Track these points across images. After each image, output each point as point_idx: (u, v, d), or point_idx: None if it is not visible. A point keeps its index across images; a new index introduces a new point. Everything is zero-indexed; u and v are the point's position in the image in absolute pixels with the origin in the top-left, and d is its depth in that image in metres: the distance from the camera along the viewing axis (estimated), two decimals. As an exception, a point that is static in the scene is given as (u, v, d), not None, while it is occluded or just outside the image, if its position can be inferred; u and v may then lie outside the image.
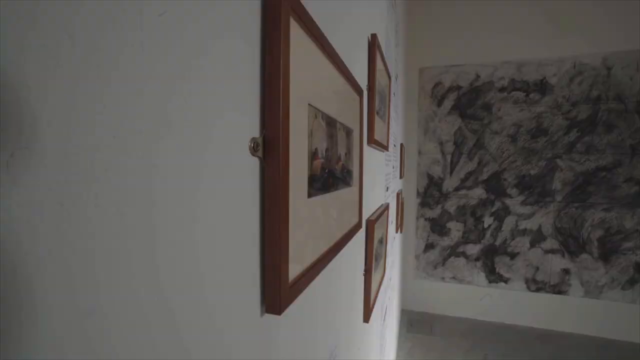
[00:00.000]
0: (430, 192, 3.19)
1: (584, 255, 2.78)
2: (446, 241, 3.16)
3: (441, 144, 3.13)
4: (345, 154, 0.44)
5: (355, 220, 0.54)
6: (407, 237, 3.27)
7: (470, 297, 3.10)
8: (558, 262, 2.84)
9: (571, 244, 2.81)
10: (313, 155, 0.31)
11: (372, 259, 0.72)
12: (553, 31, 2.74)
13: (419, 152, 3.20)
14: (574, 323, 2.82)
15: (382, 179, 1.06)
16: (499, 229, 2.99)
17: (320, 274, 0.38)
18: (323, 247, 0.36)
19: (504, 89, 2.90)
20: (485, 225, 3.03)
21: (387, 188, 1.21)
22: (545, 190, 2.84)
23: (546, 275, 2.88)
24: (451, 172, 3.11)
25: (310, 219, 0.31)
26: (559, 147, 2.79)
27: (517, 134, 2.89)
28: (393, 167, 1.57)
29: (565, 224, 2.81)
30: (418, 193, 3.23)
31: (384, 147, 0.91)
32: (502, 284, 3.00)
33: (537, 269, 2.90)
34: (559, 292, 2.86)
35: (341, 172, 0.41)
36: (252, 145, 0.24)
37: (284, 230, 0.25)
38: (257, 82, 0.27)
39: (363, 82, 0.67)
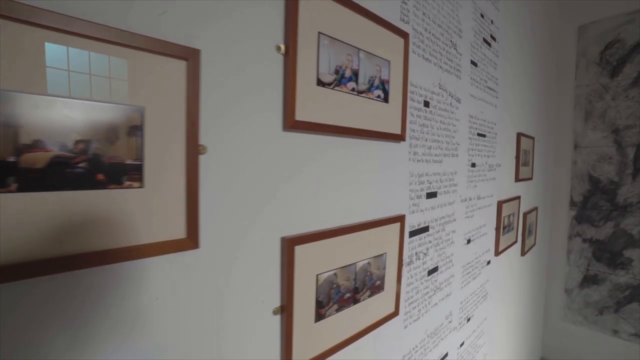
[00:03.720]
0: (594, 202, 2.21)
1: None
2: (623, 277, 2.11)
3: (615, 131, 2.11)
4: (84, 142, 0.29)
5: (158, 233, 0.36)
6: (551, 261, 2.39)
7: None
8: None
9: None
10: None
11: (292, 292, 0.48)
12: None
13: (576, 146, 2.27)
14: None
15: (402, 179, 0.76)
16: None
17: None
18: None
19: None
20: None
21: (428, 194, 0.85)
22: None
23: None
24: (634, 175, 2.05)
25: None
26: None
27: None
28: (473, 165, 1.13)
29: None
30: (572, 202, 2.30)
31: (371, 135, 0.61)
32: None
33: None
34: None
35: (53, 167, 0.27)
36: None
37: None
38: None
39: (272, 39, 0.46)
